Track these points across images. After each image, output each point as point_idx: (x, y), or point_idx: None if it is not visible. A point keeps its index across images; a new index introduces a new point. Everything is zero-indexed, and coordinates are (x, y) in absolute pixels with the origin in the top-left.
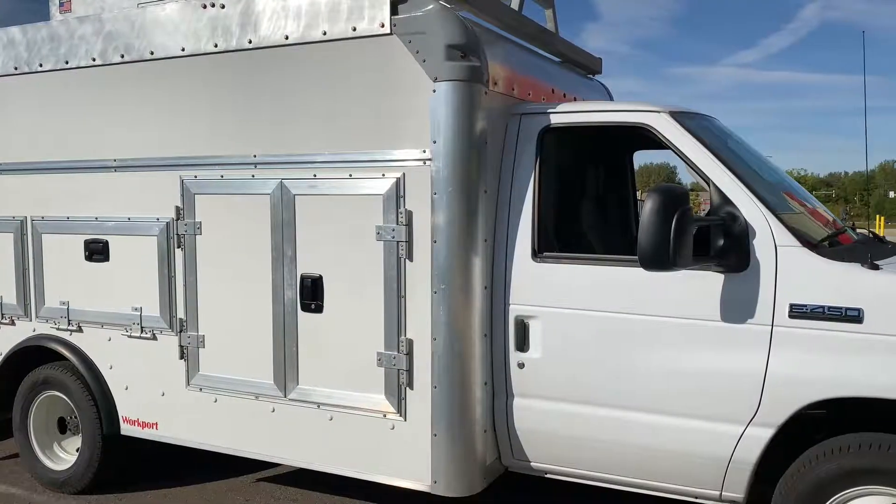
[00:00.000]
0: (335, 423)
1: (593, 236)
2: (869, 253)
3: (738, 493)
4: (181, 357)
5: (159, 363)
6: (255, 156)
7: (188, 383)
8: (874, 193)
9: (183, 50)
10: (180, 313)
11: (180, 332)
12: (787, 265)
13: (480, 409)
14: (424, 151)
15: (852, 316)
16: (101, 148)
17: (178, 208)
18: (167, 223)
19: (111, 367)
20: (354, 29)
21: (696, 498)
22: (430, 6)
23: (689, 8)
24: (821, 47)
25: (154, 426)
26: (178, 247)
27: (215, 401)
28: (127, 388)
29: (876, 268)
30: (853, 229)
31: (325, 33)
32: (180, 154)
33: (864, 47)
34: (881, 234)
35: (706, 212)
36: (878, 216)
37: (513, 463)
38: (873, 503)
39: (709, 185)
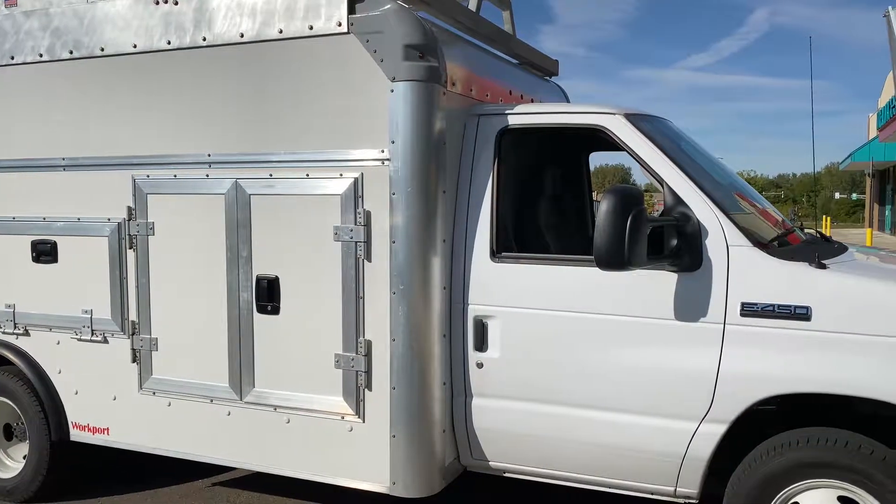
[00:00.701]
0: (292, 426)
1: (551, 236)
2: (816, 252)
3: (693, 489)
4: (133, 360)
5: (111, 367)
6: (209, 155)
7: (141, 387)
8: (821, 195)
9: (135, 47)
10: (132, 316)
11: (132, 334)
12: (738, 264)
13: (439, 409)
14: (383, 151)
15: (801, 314)
16: (50, 146)
17: (129, 208)
18: (119, 224)
19: (60, 372)
20: (311, 27)
21: (652, 494)
22: (388, 6)
23: (644, 11)
24: (770, 52)
25: (105, 431)
26: (130, 248)
27: (169, 405)
28: (77, 393)
29: (823, 267)
30: (801, 229)
31: (281, 31)
32: (132, 153)
33: (812, 52)
34: (828, 234)
35: (660, 212)
36: (824, 216)
37: (472, 462)
38: (821, 496)
39: (662, 186)
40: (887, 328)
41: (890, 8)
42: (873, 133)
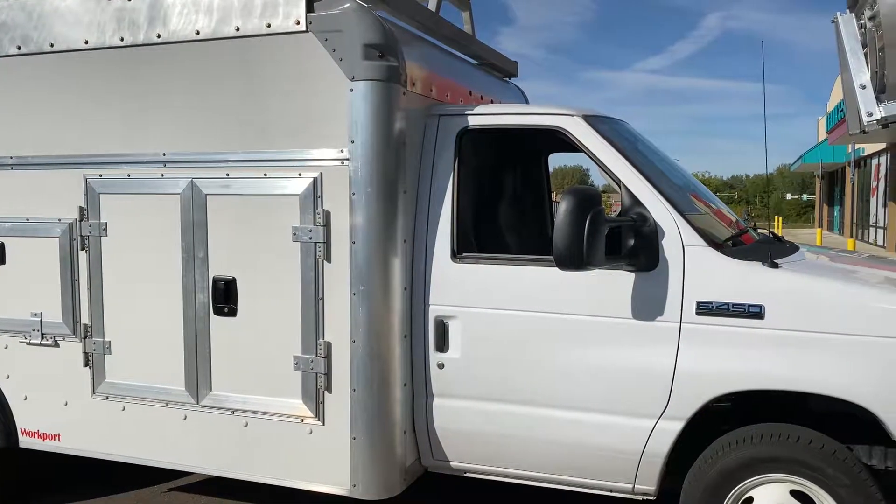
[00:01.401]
0: (250, 430)
1: (511, 237)
2: (769, 252)
3: (650, 486)
4: (86, 364)
5: (62, 371)
6: (164, 154)
7: (94, 391)
8: (773, 195)
9: (86, 43)
10: (84, 318)
11: (85, 338)
12: (693, 264)
13: (400, 410)
14: (342, 151)
15: (754, 312)
16: None
17: (81, 209)
18: (70, 224)
19: (8, 377)
20: (269, 25)
21: (611, 492)
22: (347, 4)
23: (602, 14)
24: (723, 55)
25: (56, 438)
26: (82, 249)
27: (123, 409)
28: (26, 399)
29: (776, 266)
30: (755, 229)
31: (238, 29)
32: (84, 152)
33: (764, 56)
34: (780, 234)
35: (617, 213)
36: (776, 217)
37: (432, 463)
38: (774, 490)
39: (620, 187)
40: (837, 326)
41: (838, 14)
42: (823, 136)
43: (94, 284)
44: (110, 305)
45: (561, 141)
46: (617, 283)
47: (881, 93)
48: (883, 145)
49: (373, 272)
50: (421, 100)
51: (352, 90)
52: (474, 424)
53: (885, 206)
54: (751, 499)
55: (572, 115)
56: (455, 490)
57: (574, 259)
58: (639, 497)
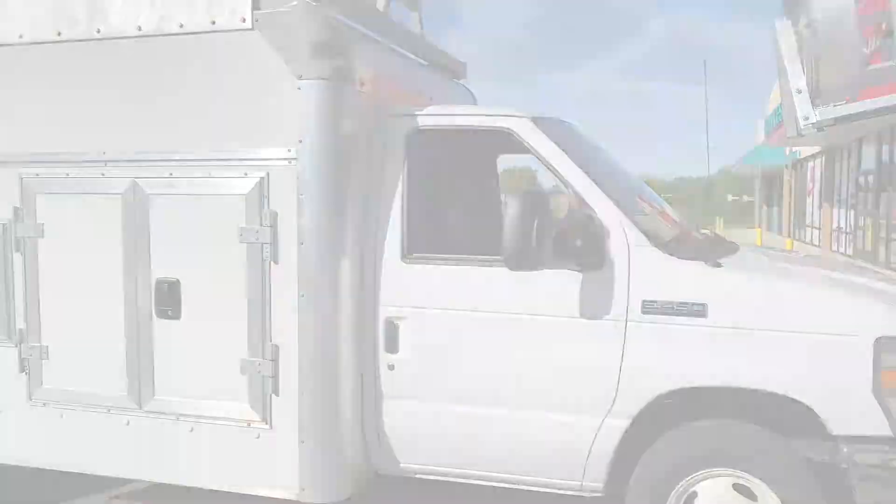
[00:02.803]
0: (196, 435)
1: (461, 237)
2: (712, 251)
3: (598, 482)
4: (21, 370)
5: None
6: (104, 153)
7: (30, 398)
8: (715, 196)
9: (21, 37)
10: (20, 323)
11: (20, 343)
12: (639, 263)
13: (349, 413)
14: (290, 151)
15: (697, 310)
16: None
17: (16, 209)
18: (3, 225)
19: None
20: (214, 22)
21: (560, 489)
22: (295, 2)
23: (549, 18)
24: (668, 59)
25: None
26: (17, 251)
27: (62, 416)
28: None
29: (718, 265)
30: (697, 230)
31: (181, 26)
32: (19, 150)
33: (706, 63)
34: (721, 234)
35: (565, 214)
36: (718, 217)
37: (382, 465)
38: (717, 484)
39: (567, 188)
40: (777, 323)
41: (777, 21)
42: (762, 138)
43: (29, 287)
44: (48, 309)
45: (510, 142)
46: (564, 282)
47: (817, 97)
48: (818, 148)
49: (321, 273)
50: (370, 100)
51: (299, 89)
52: (424, 425)
53: (820, 207)
54: (695, 493)
55: (521, 117)
56: (404, 492)
57: (523, 259)
58: (587, 494)
